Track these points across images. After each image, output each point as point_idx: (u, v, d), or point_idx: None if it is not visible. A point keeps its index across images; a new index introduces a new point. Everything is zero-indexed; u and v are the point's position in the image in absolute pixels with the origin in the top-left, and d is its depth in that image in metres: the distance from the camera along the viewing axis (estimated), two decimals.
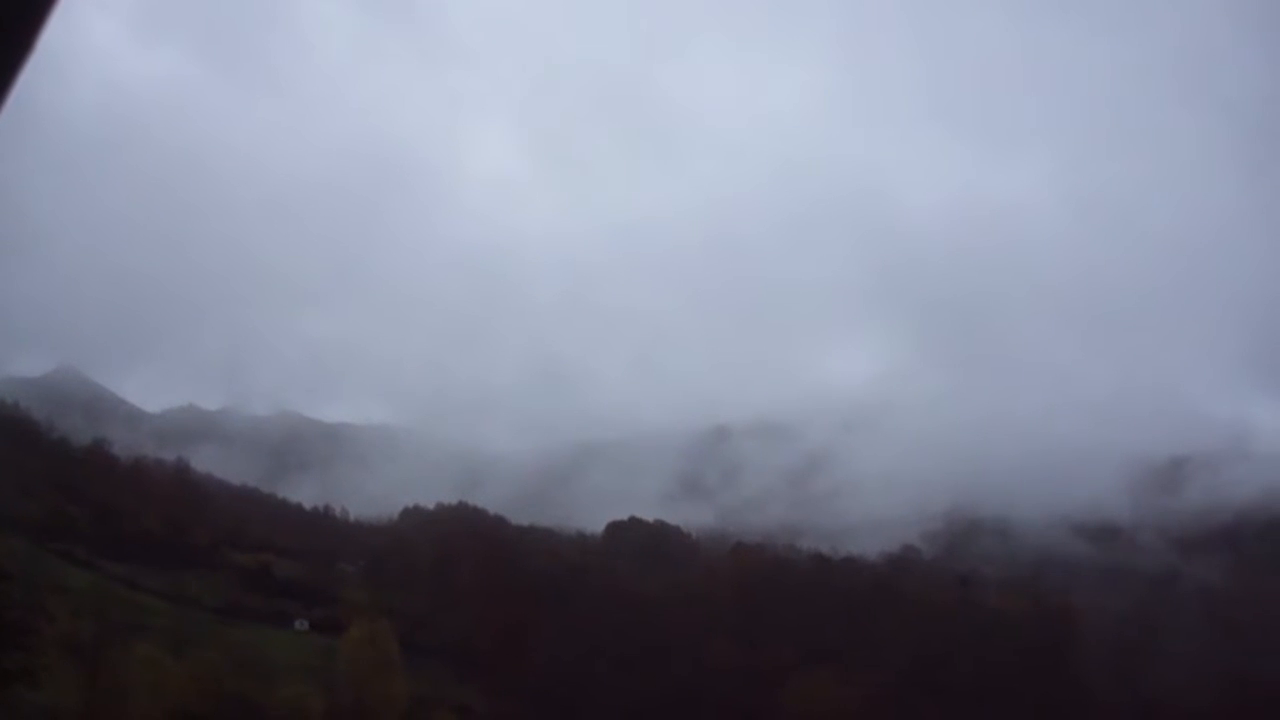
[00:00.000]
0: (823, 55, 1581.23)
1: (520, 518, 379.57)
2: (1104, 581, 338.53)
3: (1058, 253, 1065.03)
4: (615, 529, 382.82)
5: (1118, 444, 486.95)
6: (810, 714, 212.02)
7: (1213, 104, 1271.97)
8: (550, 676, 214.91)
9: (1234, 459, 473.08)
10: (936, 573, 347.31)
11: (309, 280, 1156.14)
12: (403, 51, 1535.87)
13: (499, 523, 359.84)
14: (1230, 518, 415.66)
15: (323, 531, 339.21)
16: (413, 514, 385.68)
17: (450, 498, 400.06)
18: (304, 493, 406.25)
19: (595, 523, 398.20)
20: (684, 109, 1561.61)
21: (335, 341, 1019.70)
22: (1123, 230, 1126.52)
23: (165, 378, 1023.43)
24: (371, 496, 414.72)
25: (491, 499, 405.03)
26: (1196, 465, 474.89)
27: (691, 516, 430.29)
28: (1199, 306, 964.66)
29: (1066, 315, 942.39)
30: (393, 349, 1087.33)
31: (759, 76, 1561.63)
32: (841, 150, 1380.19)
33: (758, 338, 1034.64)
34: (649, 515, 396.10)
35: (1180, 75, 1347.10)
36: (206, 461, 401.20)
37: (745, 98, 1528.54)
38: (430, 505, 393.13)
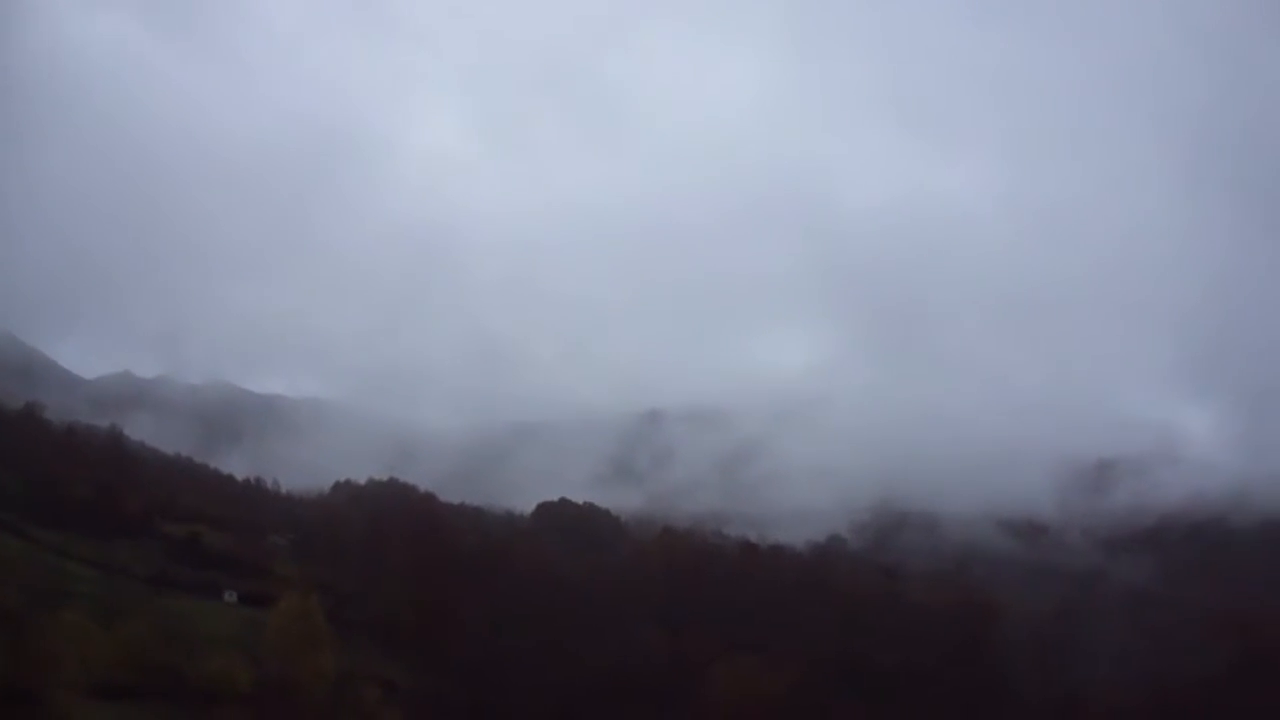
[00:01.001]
0: (772, 48, 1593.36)
1: (451, 495, 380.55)
2: (1029, 578, 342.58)
3: (995, 253, 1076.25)
4: (544, 510, 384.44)
5: (1047, 444, 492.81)
6: (733, 701, 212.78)
7: (1154, 114, 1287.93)
8: (476, 655, 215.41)
9: (1161, 463, 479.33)
10: (862, 564, 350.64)
11: (248, 249, 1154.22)
12: (351, 23, 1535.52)
13: (429, 500, 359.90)
14: (1155, 520, 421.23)
15: (254, 503, 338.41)
16: (344, 488, 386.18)
17: (382, 473, 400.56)
18: (236, 464, 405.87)
19: (525, 503, 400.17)
20: (632, 95, 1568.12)
21: (272, 312, 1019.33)
22: (1060, 234, 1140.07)
23: (101, 344, 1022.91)
24: (304, 469, 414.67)
25: (423, 475, 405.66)
26: (1124, 468, 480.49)
27: (621, 500, 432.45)
28: (1132, 312, 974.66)
29: (1001, 315, 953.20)
30: (330, 321, 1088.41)
31: (708, 66, 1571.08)
32: (786, 143, 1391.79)
33: (695, 325, 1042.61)
34: (579, 497, 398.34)
35: (1124, 84, 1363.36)
36: (140, 429, 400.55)
37: (693, 87, 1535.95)
38: (362, 480, 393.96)
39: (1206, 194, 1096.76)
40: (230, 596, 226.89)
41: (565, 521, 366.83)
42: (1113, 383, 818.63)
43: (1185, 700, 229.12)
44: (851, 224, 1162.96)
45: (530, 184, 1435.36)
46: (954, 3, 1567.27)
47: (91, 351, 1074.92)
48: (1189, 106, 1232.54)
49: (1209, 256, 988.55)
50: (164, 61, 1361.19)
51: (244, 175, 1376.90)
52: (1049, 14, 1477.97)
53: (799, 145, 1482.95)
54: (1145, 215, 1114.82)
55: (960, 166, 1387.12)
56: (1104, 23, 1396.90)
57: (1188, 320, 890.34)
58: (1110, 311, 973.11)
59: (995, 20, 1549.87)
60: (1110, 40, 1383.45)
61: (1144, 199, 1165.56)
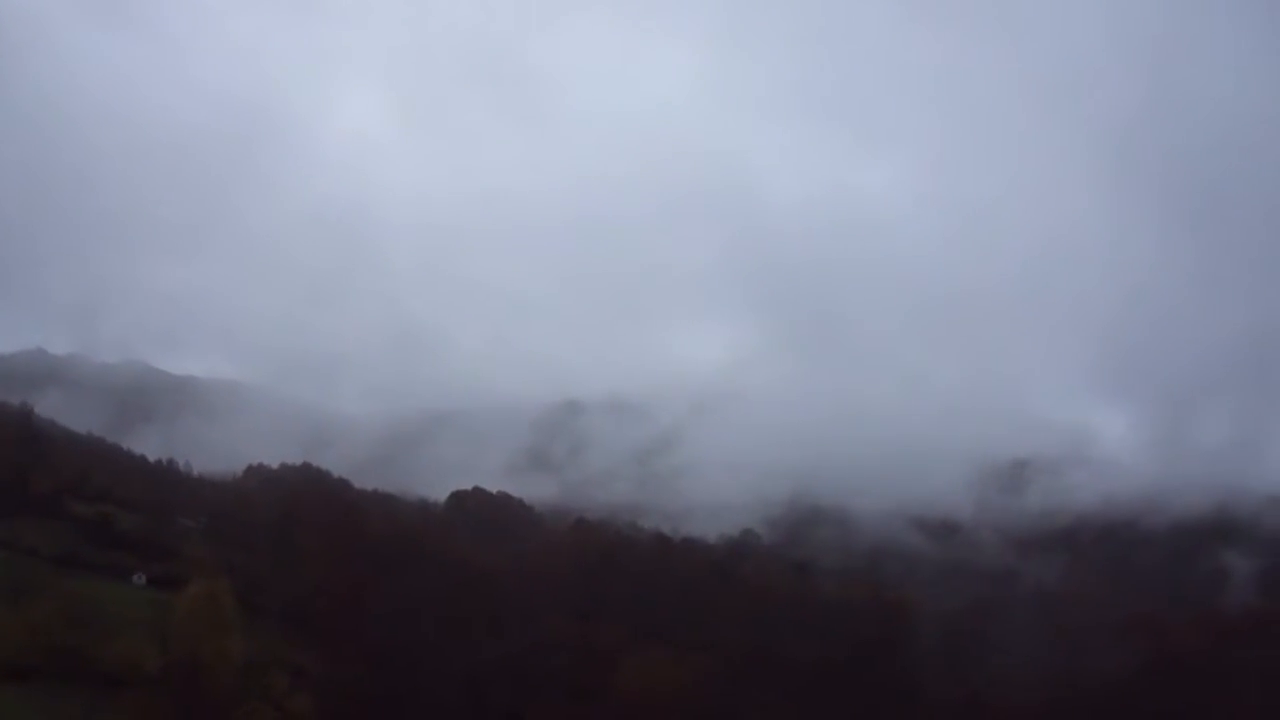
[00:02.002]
0: (701, 42, 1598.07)
1: (365, 482, 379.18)
2: (941, 576, 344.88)
3: (917, 252, 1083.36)
4: (458, 498, 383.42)
5: (962, 443, 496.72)
6: (643, 693, 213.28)
7: (1077, 120, 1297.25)
8: (387, 642, 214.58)
9: (1075, 464, 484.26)
10: (775, 559, 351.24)
11: (167, 227, 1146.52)
12: (277, 1, 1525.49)
13: (343, 485, 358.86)
14: (1068, 521, 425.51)
15: (165, 485, 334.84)
16: (257, 472, 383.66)
17: (295, 457, 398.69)
18: (149, 444, 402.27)
19: (439, 490, 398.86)
20: (559, 83, 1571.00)
21: (188, 292, 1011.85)
22: (980, 235, 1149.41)
23: (13, 319, 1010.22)
24: (217, 452, 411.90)
25: (337, 461, 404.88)
26: (1038, 468, 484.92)
27: (536, 489, 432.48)
28: (1051, 314, 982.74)
29: (920, 314, 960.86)
30: (247, 302, 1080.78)
31: (636, 57, 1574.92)
32: (712, 137, 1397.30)
33: (615, 316, 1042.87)
34: (494, 486, 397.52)
35: (1048, 90, 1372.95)
36: (51, 408, 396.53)
37: (620, 77, 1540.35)
38: (275, 464, 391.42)
39: (1130, 200, 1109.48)
40: (139, 579, 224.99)
41: (479, 510, 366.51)
42: (1030, 384, 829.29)
43: (1093, 700, 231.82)
44: (775, 220, 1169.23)
45: (454, 169, 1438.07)
46: (885, 2, 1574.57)
47: (3, 327, 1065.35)
48: (1116, 112, 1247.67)
49: (1129, 262, 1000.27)
50: (85, 35, 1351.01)
51: (164, 152, 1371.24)
52: (979, 16, 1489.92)
53: (725, 139, 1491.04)
54: (1068, 219, 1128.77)
55: (885, 165, 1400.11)
56: (1033, 25, 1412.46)
57: (1106, 324, 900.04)
58: (1030, 313, 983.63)
59: (925, 21, 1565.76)
60: (1038, 43, 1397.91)
61: (1067, 203, 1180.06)
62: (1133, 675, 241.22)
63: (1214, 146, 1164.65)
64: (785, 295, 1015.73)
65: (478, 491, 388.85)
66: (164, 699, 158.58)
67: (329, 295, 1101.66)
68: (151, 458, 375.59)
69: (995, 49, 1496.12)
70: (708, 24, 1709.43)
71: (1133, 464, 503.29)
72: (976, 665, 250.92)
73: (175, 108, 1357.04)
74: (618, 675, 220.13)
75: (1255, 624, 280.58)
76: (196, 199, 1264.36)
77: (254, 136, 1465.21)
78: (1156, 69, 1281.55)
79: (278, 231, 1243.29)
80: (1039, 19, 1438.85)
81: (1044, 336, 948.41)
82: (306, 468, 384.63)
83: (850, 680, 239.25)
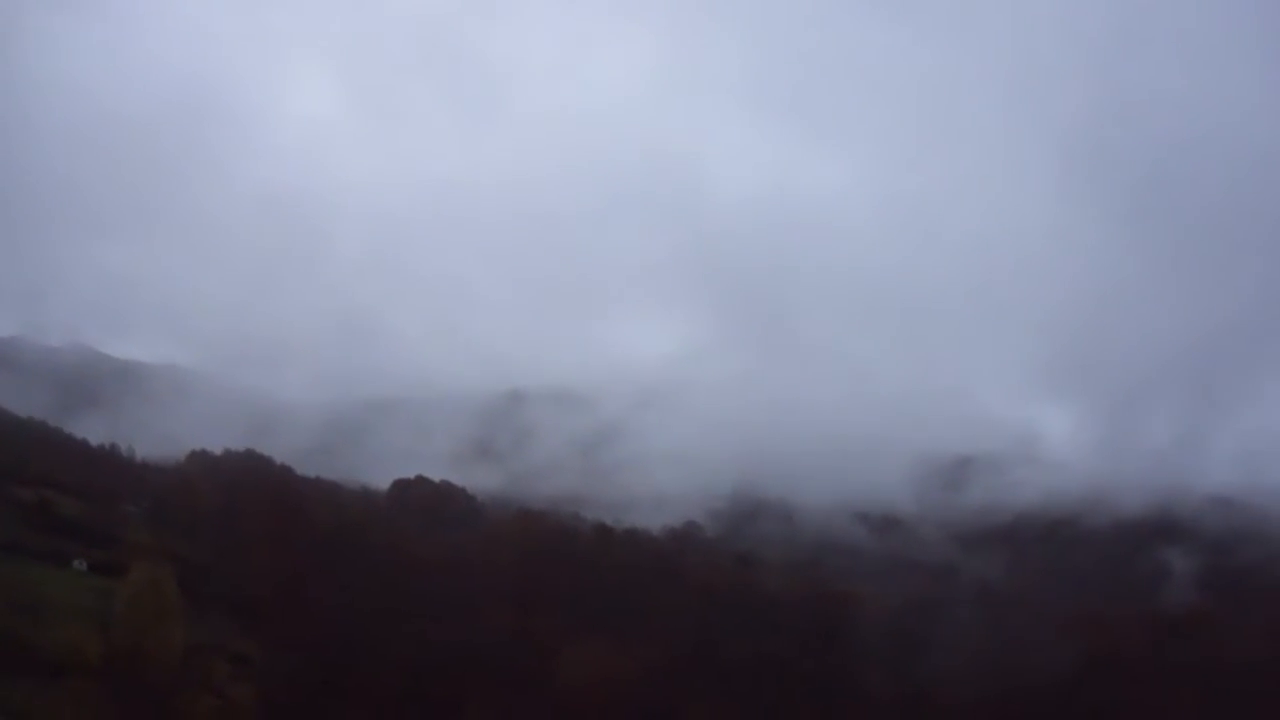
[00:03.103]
0: (650, 36, 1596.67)
1: (308, 469, 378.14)
2: (883, 571, 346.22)
3: (864, 248, 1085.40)
4: (401, 487, 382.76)
5: (907, 439, 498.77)
6: (584, 683, 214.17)
7: (1028, 119, 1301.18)
8: (328, 631, 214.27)
9: (1018, 462, 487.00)
10: (717, 551, 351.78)
11: (113, 210, 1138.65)
12: None
13: (286, 473, 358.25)
14: (1010, 518, 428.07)
15: (108, 470, 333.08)
16: (200, 458, 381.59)
17: (239, 444, 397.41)
18: (92, 429, 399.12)
19: (382, 479, 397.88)
20: (510, 75, 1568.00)
21: (133, 276, 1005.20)
22: (929, 232, 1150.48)
23: None
24: (160, 437, 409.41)
25: (280, 448, 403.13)
26: (981, 465, 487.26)
27: (479, 479, 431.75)
28: (996, 312, 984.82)
29: (867, 310, 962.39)
30: (193, 287, 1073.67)
31: (587, 52, 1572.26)
32: (659, 130, 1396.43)
33: (562, 308, 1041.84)
34: (437, 475, 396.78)
35: (1001, 86, 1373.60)
36: None
37: (570, 69, 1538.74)
38: (218, 450, 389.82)
39: (1079, 200, 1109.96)
40: (80, 565, 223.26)
41: (422, 500, 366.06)
42: (975, 381, 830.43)
43: (1034, 696, 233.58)
44: (724, 215, 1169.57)
45: (403, 158, 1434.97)
46: (837, 1, 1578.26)
47: None
48: (1067, 113, 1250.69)
49: (1075, 261, 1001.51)
50: (30, 14, 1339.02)
51: (112, 133, 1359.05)
52: (930, 15, 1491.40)
53: (675, 135, 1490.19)
54: (1014, 216, 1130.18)
55: (833, 161, 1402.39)
56: (985, 25, 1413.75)
57: (1051, 323, 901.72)
58: (975, 310, 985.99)
59: (877, 20, 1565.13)
60: (991, 42, 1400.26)
61: (1014, 200, 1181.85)
62: (1073, 671, 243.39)
63: (1164, 149, 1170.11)
64: (732, 290, 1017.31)
65: (421, 480, 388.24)
66: (105, 686, 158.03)
67: (275, 281, 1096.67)
68: (94, 442, 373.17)
69: (947, 47, 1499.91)
70: (659, 21, 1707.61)
71: (1076, 462, 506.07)
72: (917, 660, 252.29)
73: (123, 89, 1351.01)
74: (558, 665, 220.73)
75: (1194, 622, 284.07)
76: (144, 182, 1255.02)
77: (203, 120, 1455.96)
78: (1109, 70, 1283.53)
79: (225, 216, 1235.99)
80: (992, 18, 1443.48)
81: (990, 335, 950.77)
82: (250, 454, 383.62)
83: (791, 673, 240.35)
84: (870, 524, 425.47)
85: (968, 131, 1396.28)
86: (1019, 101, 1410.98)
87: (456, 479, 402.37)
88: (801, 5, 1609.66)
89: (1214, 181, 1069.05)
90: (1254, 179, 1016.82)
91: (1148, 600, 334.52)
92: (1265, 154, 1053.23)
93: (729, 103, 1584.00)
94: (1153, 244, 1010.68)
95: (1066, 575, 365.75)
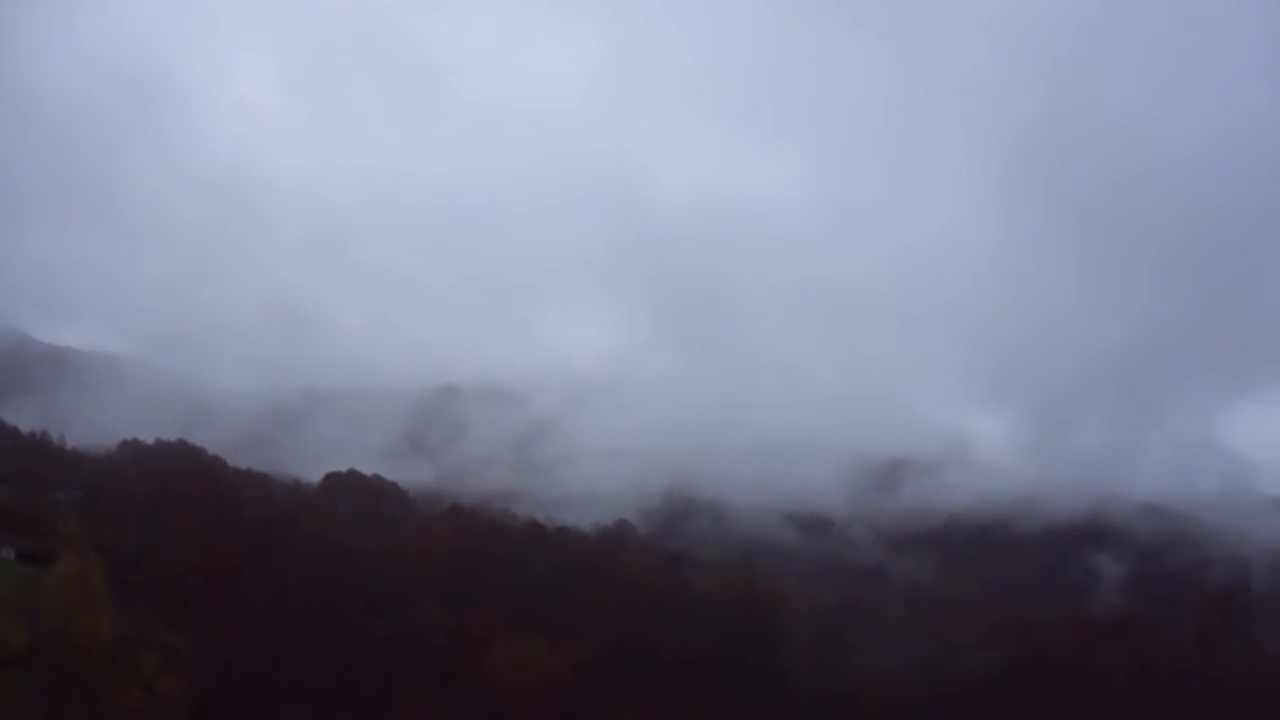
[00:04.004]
0: (595, 33, 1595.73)
1: (240, 460, 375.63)
2: (814, 572, 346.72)
3: (802, 250, 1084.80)
4: (333, 480, 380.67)
5: (839, 441, 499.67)
6: (515, 680, 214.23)
7: (969, 125, 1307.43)
8: (258, 623, 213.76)
9: (950, 465, 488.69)
10: (648, 550, 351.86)
11: (46, 194, 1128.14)
12: None
13: (217, 463, 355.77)
14: (942, 521, 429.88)
15: (38, 458, 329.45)
16: (131, 447, 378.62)
17: (171, 433, 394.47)
18: (22, 416, 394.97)
19: (314, 471, 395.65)
20: (451, 67, 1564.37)
21: (67, 261, 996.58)
22: (868, 235, 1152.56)
23: None
24: (91, 425, 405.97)
25: (213, 438, 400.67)
26: (913, 468, 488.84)
27: (412, 474, 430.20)
28: (931, 317, 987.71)
29: (803, 312, 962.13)
30: (127, 273, 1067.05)
31: (529, 47, 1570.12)
32: (601, 129, 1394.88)
33: (497, 303, 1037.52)
34: (369, 469, 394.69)
35: (941, 94, 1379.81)
36: None
37: (514, 63, 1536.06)
38: (150, 440, 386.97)
39: (1017, 206, 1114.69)
40: (7, 553, 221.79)
41: (353, 493, 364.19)
42: (909, 385, 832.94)
43: (962, 698, 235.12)
44: (662, 213, 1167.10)
45: (341, 147, 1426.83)
46: (779, 2, 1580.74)
47: None
48: (1008, 120, 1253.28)
49: (1013, 268, 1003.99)
50: None
51: (46, 117, 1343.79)
52: (872, 17, 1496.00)
53: (615, 132, 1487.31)
54: (953, 222, 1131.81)
55: (774, 163, 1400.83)
56: (928, 30, 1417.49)
57: (987, 329, 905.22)
58: (912, 315, 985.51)
59: (818, 22, 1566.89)
60: (933, 48, 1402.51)
61: (952, 206, 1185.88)
62: (1001, 674, 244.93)
63: (1101, 158, 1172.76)
64: (670, 289, 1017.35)
65: (352, 474, 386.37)
66: (31, 677, 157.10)
67: (211, 269, 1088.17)
68: (24, 429, 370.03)
69: (889, 51, 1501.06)
70: (604, 18, 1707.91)
71: (1008, 467, 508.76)
72: (846, 661, 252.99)
73: (59, 73, 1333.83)
74: (489, 662, 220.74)
75: (1123, 626, 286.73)
76: (79, 166, 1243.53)
77: (140, 105, 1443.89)
78: (1049, 80, 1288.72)
79: (162, 202, 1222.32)
80: (935, 24, 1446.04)
81: (925, 339, 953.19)
82: (181, 444, 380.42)
83: (721, 673, 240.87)
84: (801, 525, 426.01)
85: (908, 138, 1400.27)
86: (959, 110, 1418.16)
87: (388, 473, 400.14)
88: (747, 7, 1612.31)
89: (1149, 191, 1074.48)
90: (1188, 188, 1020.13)
91: (1077, 604, 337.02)
92: (1200, 163, 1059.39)
93: (672, 102, 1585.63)
94: (1087, 253, 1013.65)
95: (997, 579, 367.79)
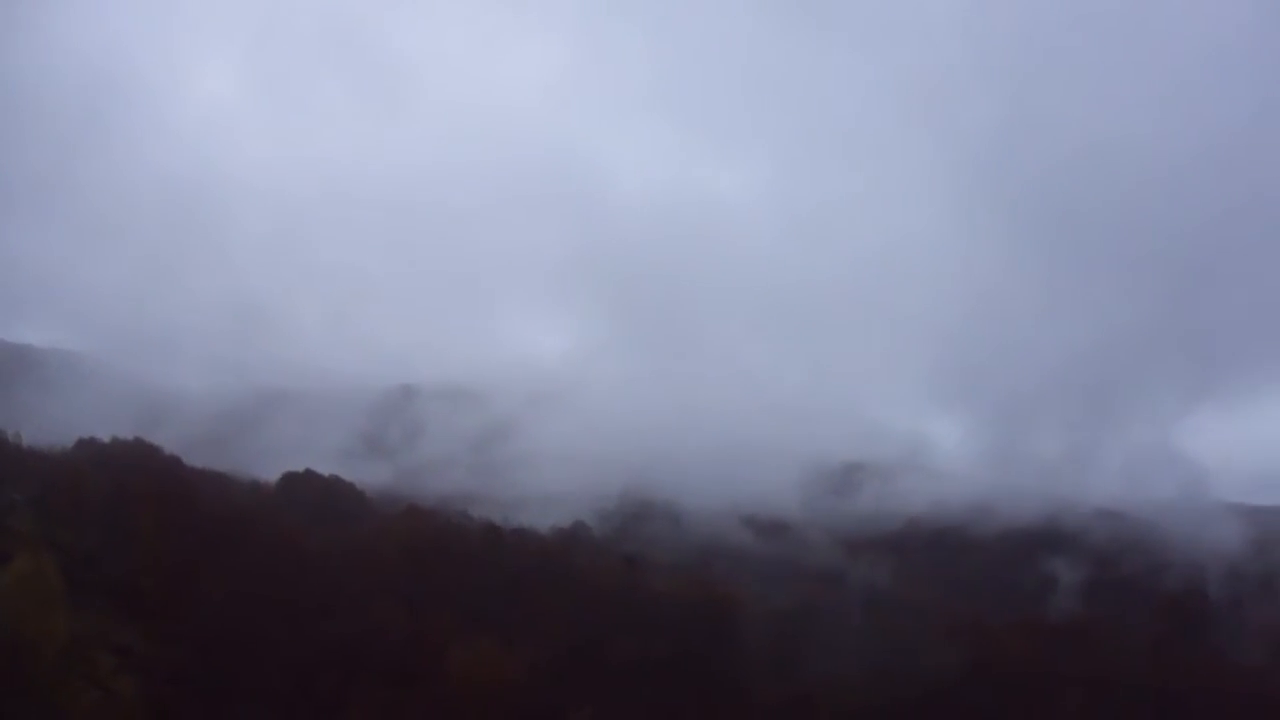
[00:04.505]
0: (558, 36, 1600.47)
1: (197, 459, 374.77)
2: (770, 575, 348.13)
3: (762, 254, 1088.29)
4: (290, 480, 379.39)
5: (796, 444, 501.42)
6: (472, 681, 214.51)
7: (932, 131, 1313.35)
8: (215, 624, 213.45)
9: (908, 470, 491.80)
10: (605, 552, 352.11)
11: (5, 190, 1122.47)
12: None
13: (174, 463, 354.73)
14: (899, 525, 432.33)
15: None
16: (88, 445, 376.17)
17: (129, 432, 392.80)
18: None
19: (272, 471, 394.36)
20: (414, 67, 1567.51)
21: (25, 257, 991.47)
22: (827, 240, 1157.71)
23: None
24: (48, 423, 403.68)
25: (170, 437, 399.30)
26: (871, 472, 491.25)
27: (369, 474, 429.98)
28: (890, 322, 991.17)
29: (762, 316, 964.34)
30: (86, 270, 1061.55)
31: (492, 49, 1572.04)
32: (562, 131, 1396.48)
33: (456, 303, 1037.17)
34: (326, 469, 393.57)
35: (905, 100, 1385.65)
36: None
37: (476, 66, 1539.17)
38: (107, 438, 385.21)
39: (977, 213, 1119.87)
40: None
41: (310, 493, 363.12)
42: (868, 389, 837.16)
43: (918, 701, 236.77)
44: (621, 216, 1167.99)
45: (303, 145, 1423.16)
46: (742, 6, 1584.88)
47: None
48: (972, 127, 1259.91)
49: (972, 274, 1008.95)
50: None
51: (4, 111, 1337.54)
52: (836, 22, 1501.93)
53: (577, 134, 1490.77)
54: (913, 228, 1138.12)
55: (737, 167, 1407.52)
56: (892, 36, 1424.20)
57: (946, 335, 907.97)
58: (871, 320, 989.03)
59: (782, 26, 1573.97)
60: (897, 54, 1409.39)
61: (913, 211, 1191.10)
62: (957, 678, 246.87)
63: (1060, 165, 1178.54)
64: (629, 291, 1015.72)
65: (310, 474, 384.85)
66: None
67: (170, 267, 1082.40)
68: None
69: (852, 56, 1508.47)
70: (568, 22, 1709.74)
71: (965, 473, 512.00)
72: (803, 664, 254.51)
73: (18, 67, 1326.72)
74: (447, 663, 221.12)
75: (1078, 631, 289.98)
76: (37, 162, 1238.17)
77: (101, 101, 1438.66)
78: (1008, 85, 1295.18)
79: (122, 199, 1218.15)
80: (899, 29, 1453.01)
81: (883, 343, 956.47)
82: (139, 443, 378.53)
83: (677, 675, 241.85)
84: (758, 528, 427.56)
85: (867, 143, 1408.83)
86: (918, 115, 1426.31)
87: (346, 473, 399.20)
88: (709, 14, 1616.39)
89: (1108, 200, 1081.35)
90: (1148, 197, 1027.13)
91: (1033, 609, 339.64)
92: (1160, 173, 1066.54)
93: (635, 105, 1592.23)
94: (1045, 259, 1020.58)
95: (953, 583, 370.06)
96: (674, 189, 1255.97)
